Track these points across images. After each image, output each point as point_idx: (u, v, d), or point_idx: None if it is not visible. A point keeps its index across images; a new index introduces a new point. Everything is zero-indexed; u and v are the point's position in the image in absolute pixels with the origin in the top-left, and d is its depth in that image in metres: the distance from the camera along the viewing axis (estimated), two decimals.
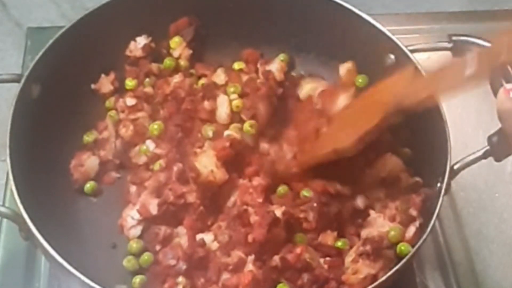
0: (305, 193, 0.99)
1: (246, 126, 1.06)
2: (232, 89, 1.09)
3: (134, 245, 0.99)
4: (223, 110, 1.08)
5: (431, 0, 1.37)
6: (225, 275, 0.94)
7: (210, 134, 1.05)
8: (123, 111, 1.08)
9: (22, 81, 0.98)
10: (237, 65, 1.13)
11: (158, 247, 0.98)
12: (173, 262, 0.95)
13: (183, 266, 0.95)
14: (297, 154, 1.02)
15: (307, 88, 1.10)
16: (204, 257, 0.95)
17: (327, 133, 1.00)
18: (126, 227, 1.00)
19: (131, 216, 1.00)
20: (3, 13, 1.31)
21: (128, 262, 0.98)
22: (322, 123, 1.02)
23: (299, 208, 0.98)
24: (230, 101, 1.08)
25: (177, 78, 1.09)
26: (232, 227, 0.96)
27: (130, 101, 1.08)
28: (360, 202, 0.99)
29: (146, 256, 0.98)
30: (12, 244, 1.06)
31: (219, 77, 1.12)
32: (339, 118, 1.01)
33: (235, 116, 1.08)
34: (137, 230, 1.00)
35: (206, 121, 1.07)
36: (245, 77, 1.10)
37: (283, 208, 0.97)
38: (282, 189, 1.02)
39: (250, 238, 0.94)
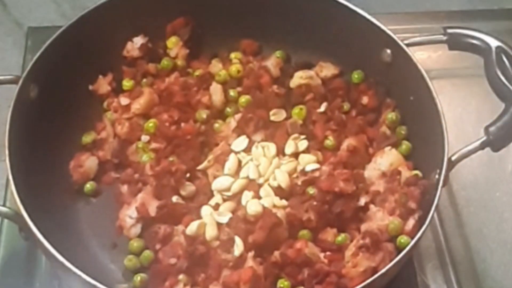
0: (310, 190, 0.99)
1: (242, 100, 1.08)
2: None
3: (135, 244, 0.99)
4: (217, 98, 1.09)
5: None
6: (226, 272, 0.94)
7: (204, 116, 1.07)
8: (116, 111, 1.09)
9: (20, 82, 0.98)
10: (234, 55, 1.14)
11: (158, 246, 0.98)
12: (173, 260, 0.95)
13: (183, 264, 0.95)
14: None
15: (297, 77, 1.10)
16: (204, 254, 0.95)
17: None
18: (126, 227, 1.00)
19: (129, 216, 1.00)
20: (3, 13, 1.31)
21: (129, 261, 0.98)
22: None
23: (302, 207, 0.98)
24: (224, 89, 1.10)
25: (172, 78, 1.10)
26: (233, 225, 0.96)
27: (124, 100, 1.09)
28: (362, 200, 0.99)
29: (146, 254, 0.98)
30: (12, 244, 1.06)
31: (215, 67, 1.13)
32: None
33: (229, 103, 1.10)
34: (137, 229, 1.00)
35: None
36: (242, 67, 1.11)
37: (287, 209, 0.98)
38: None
39: (250, 239, 0.95)
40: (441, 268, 1.07)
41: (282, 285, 0.94)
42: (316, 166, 1.03)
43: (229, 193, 1.01)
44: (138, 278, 0.97)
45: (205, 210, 1.00)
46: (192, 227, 0.97)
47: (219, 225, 0.97)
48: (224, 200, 1.02)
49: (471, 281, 1.07)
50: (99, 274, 0.89)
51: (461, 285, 1.06)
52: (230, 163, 1.03)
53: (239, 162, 1.03)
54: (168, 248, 0.96)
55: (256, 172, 1.02)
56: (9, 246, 1.06)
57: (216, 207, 1.00)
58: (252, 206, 0.97)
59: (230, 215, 0.98)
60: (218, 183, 1.02)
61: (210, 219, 0.98)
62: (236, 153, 1.04)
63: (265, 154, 1.04)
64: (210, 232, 0.97)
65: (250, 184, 1.01)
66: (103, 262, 1.00)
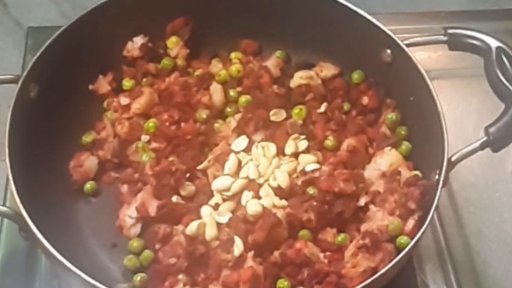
0: (309, 190, 0.99)
1: (242, 100, 1.08)
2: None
3: (135, 244, 0.99)
4: (217, 98, 1.09)
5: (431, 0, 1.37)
6: (225, 272, 0.94)
7: (204, 116, 1.07)
8: (116, 111, 1.09)
9: (20, 82, 0.98)
10: (234, 55, 1.14)
11: (158, 246, 0.98)
12: (173, 260, 0.95)
13: (183, 264, 0.95)
14: None
15: (297, 77, 1.11)
16: (204, 254, 0.95)
17: None
18: (126, 227, 1.01)
19: (128, 216, 1.00)
20: (3, 13, 1.31)
21: (129, 261, 0.98)
22: None
23: (302, 207, 0.98)
24: (224, 89, 1.10)
25: (172, 78, 1.10)
26: (233, 225, 0.96)
27: (124, 100, 1.09)
28: (362, 201, 1.00)
29: (146, 253, 0.98)
30: (12, 244, 1.06)
31: (215, 67, 1.13)
32: None
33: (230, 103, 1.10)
34: (137, 229, 1.01)
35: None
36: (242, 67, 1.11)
37: (287, 209, 0.98)
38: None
39: (250, 239, 0.95)
40: (441, 268, 1.07)
41: (281, 285, 0.94)
42: (316, 166, 1.03)
43: (229, 193, 1.01)
44: (137, 278, 0.97)
45: (205, 210, 1.00)
46: (192, 227, 0.97)
47: (219, 225, 0.98)
48: (224, 200, 1.02)
49: (471, 282, 1.07)
50: (99, 274, 0.90)
51: (461, 285, 1.06)
52: (230, 163, 1.03)
53: (239, 162, 1.04)
54: (168, 248, 0.96)
55: (256, 172, 1.02)
56: (9, 246, 1.06)
57: (216, 207, 1.00)
58: (252, 206, 0.97)
59: (230, 215, 0.98)
60: (218, 183, 1.02)
61: (210, 219, 0.98)
62: (236, 153, 1.04)
63: (265, 154, 1.04)
64: (210, 232, 0.97)
65: (250, 184, 1.02)
66: (102, 262, 1.00)
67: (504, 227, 1.12)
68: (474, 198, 1.14)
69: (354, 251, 0.94)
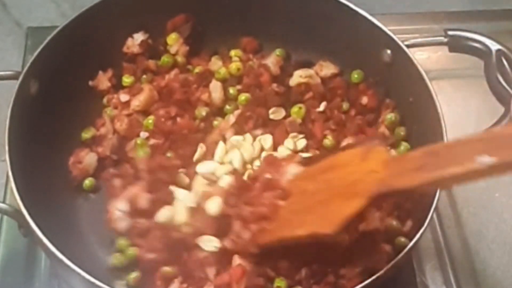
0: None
1: (241, 98, 1.08)
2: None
3: (121, 241, 0.99)
4: (216, 95, 1.10)
5: (431, 0, 1.37)
6: (211, 270, 0.94)
7: (204, 114, 1.07)
8: (116, 107, 1.09)
9: (20, 78, 0.98)
10: (234, 53, 1.15)
11: (139, 241, 0.97)
12: (152, 255, 0.95)
13: (164, 256, 0.94)
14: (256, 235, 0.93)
15: (297, 75, 1.11)
16: (180, 241, 0.95)
17: (289, 211, 0.92)
18: (113, 220, 0.99)
19: (117, 209, 0.99)
20: (3, 13, 1.32)
21: (115, 259, 0.98)
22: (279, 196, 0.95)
23: None
24: (224, 87, 1.10)
25: (172, 75, 1.10)
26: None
27: (124, 97, 1.09)
28: None
29: (130, 250, 0.98)
30: (12, 243, 1.06)
31: (215, 64, 1.13)
32: (301, 194, 0.93)
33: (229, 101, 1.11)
34: (126, 222, 0.98)
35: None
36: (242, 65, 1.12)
37: None
38: None
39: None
40: (440, 268, 1.07)
41: (279, 284, 0.93)
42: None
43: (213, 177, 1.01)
44: (132, 275, 0.97)
45: (179, 194, 0.99)
46: (163, 214, 0.96)
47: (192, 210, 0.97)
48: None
49: (470, 282, 1.07)
50: (98, 271, 0.89)
51: (461, 285, 1.06)
52: (220, 150, 1.04)
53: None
54: (145, 242, 0.96)
55: (241, 160, 1.02)
56: (9, 245, 1.06)
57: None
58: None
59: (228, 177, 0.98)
60: (203, 167, 1.02)
61: (180, 205, 0.97)
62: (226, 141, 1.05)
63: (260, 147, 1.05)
64: (180, 217, 0.96)
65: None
66: (102, 259, 1.00)
67: (504, 227, 1.12)
68: (473, 199, 1.14)
69: (353, 251, 0.94)
